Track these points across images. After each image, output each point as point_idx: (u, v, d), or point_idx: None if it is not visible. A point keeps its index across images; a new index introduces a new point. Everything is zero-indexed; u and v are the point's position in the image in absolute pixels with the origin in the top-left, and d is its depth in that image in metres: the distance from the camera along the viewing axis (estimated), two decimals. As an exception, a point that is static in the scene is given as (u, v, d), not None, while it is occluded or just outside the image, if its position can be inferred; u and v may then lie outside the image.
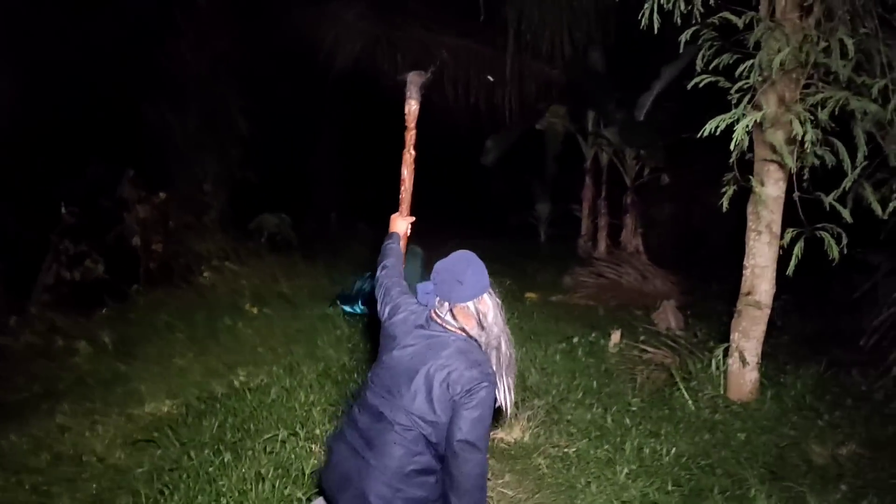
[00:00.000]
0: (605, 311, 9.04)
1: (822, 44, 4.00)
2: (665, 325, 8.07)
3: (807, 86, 4.53)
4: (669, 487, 4.25)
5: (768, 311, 5.15)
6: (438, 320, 2.72)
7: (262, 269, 9.92)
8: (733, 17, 4.54)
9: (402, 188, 3.42)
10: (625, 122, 11.16)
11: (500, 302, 2.71)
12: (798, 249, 4.19)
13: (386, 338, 2.82)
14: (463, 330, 2.66)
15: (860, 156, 3.86)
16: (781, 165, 4.92)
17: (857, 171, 3.90)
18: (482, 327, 2.66)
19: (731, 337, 5.28)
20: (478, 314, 2.66)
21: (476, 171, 13.55)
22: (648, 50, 11.05)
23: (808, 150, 4.08)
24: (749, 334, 5.18)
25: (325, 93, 12.78)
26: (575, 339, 7.19)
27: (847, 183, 3.93)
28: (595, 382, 5.97)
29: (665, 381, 5.93)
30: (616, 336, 7.18)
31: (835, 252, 3.98)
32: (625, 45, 10.97)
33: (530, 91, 12.12)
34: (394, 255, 3.23)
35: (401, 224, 3.41)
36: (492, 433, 4.99)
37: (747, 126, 4.01)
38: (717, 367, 5.38)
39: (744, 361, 5.12)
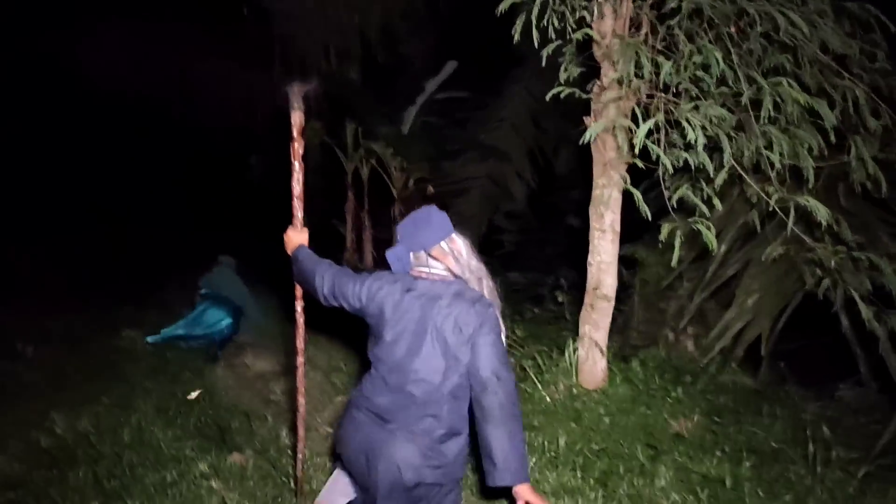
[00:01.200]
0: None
1: (695, 57, 4.45)
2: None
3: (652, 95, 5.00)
4: (579, 474, 4.48)
5: (613, 303, 5.60)
6: (423, 274, 2.84)
7: (24, 302, 8.70)
8: (595, 34, 4.90)
9: (295, 201, 3.43)
10: (390, 134, 11.43)
11: (469, 241, 2.91)
12: (678, 242, 4.64)
13: (375, 318, 2.85)
14: (449, 270, 2.81)
15: (727, 156, 4.36)
16: (622, 167, 5.40)
17: (725, 169, 4.42)
18: (459, 263, 2.82)
19: (582, 329, 5.63)
20: (452, 252, 2.83)
21: (244, 189, 13.13)
22: (412, 66, 11.53)
23: (679, 153, 4.53)
24: (599, 325, 5.59)
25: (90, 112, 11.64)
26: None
27: (719, 180, 4.43)
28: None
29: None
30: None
31: (713, 243, 4.47)
32: (392, 60, 11.32)
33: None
34: (319, 260, 3.22)
35: (299, 237, 3.39)
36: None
37: (645, 133, 4.35)
38: (569, 359, 5.72)
39: (601, 351, 5.53)
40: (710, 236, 4.42)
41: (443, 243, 2.83)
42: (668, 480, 4.35)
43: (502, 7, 4.93)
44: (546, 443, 4.86)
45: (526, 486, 2.55)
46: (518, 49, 11.14)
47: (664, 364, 5.98)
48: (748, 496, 4.16)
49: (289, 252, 3.33)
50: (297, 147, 3.31)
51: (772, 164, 4.37)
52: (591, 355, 5.62)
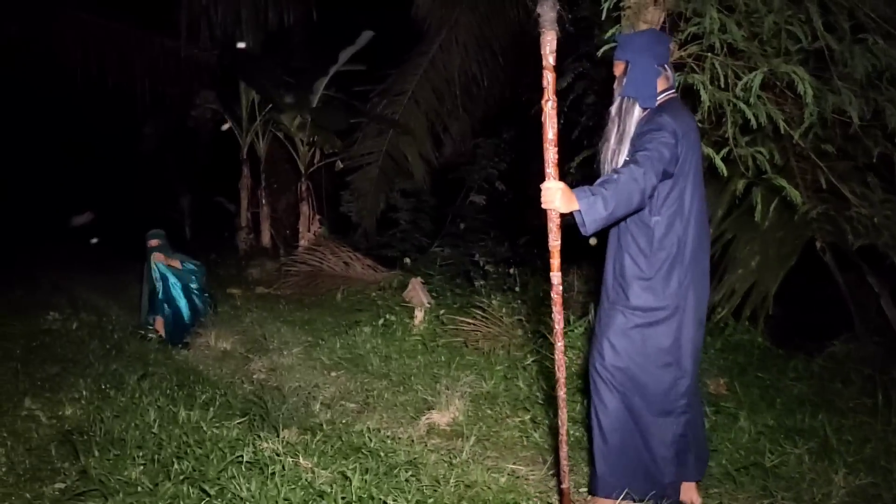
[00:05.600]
0: (342, 297, 8.70)
1: (770, 17, 4.46)
2: (418, 302, 8.11)
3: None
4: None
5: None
6: (672, 94, 3.07)
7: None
8: None
9: (549, 148, 2.52)
10: (299, 106, 10.80)
11: None
12: (756, 199, 4.69)
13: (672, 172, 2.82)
14: None
15: (806, 112, 4.44)
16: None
17: (806, 124, 4.51)
18: None
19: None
20: None
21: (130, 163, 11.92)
22: (327, 32, 10.99)
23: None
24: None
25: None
26: (367, 329, 6.82)
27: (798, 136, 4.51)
28: (456, 360, 5.86)
29: (521, 346, 6.05)
30: (420, 314, 7.05)
31: (798, 197, 4.54)
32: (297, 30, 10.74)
33: (183, 75, 11.10)
34: (609, 182, 2.64)
35: (564, 188, 2.55)
36: (427, 419, 4.67)
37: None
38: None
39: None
40: (794, 192, 4.48)
41: None
42: (751, 435, 4.34)
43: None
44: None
45: None
46: (421, 22, 10.97)
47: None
48: (840, 444, 4.22)
49: (563, 210, 2.55)
50: (552, 79, 2.46)
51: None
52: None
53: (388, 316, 7.07)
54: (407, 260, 10.04)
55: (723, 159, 4.59)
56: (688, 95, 4.78)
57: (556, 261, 2.67)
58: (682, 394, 2.92)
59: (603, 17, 4.90)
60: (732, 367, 5.56)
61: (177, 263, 6.89)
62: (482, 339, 6.37)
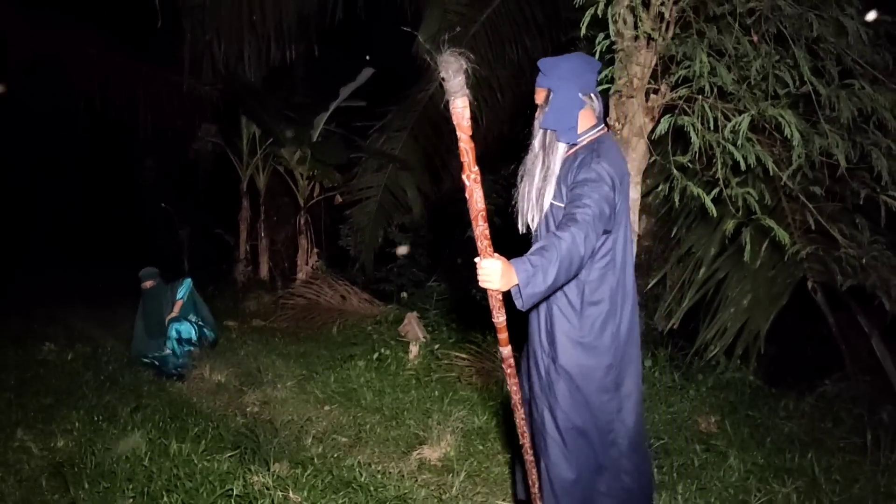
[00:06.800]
0: (338, 331, 8.72)
1: (759, 60, 4.58)
2: (414, 337, 8.14)
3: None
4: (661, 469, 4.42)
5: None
6: (605, 130, 2.87)
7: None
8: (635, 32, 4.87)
9: (478, 223, 2.27)
10: (299, 140, 10.92)
11: None
12: (746, 239, 4.76)
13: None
14: None
15: (794, 155, 4.53)
16: (639, 171, 5.45)
17: (794, 166, 4.59)
18: None
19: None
20: None
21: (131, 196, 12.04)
22: (329, 69, 11.13)
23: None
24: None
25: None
26: (361, 363, 6.85)
27: (786, 178, 4.59)
28: (449, 395, 5.87)
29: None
30: (415, 349, 7.08)
31: (786, 238, 4.60)
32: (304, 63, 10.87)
33: (185, 108, 11.23)
34: (550, 248, 2.36)
35: (502, 264, 2.29)
36: (418, 454, 4.69)
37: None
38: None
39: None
40: (782, 233, 4.53)
41: None
42: (740, 473, 4.37)
43: None
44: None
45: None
46: (420, 58, 11.12)
47: (669, 362, 6.09)
48: (828, 484, 4.24)
49: (502, 289, 2.32)
50: (470, 150, 2.16)
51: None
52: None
53: (382, 350, 7.10)
54: (403, 294, 10.08)
55: (713, 200, 4.63)
56: (679, 137, 4.87)
57: (503, 335, 2.53)
58: (622, 453, 2.77)
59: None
60: (723, 404, 5.59)
61: (176, 310, 6.97)
62: (476, 374, 6.40)
